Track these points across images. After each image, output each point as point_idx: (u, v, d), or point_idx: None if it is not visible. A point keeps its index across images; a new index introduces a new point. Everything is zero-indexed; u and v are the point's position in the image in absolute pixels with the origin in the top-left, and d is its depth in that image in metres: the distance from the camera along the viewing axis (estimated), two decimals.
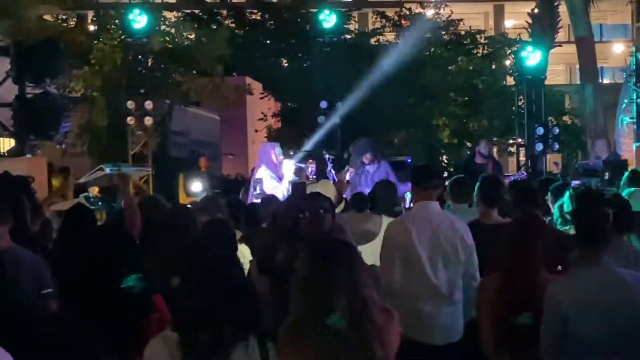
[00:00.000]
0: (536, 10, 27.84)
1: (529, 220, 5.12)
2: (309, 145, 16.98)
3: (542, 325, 4.52)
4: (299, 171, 12.16)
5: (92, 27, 21.35)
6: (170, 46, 19.50)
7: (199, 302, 3.64)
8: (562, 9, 25.34)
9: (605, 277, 4.54)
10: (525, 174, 14.50)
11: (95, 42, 18.55)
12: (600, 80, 27.44)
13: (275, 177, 11.52)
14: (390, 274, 5.81)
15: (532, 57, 17.16)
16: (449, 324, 5.84)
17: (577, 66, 23.95)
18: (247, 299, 3.76)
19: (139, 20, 16.46)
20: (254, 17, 27.20)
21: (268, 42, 26.30)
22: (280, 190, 11.19)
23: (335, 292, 3.48)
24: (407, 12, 28.77)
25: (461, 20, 28.87)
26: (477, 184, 6.72)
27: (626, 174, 8.58)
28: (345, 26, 25.17)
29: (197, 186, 14.20)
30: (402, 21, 28.39)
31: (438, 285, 5.82)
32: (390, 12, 29.22)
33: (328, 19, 17.52)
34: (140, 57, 17.22)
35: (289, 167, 11.89)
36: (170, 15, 22.43)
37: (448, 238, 5.94)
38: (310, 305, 3.52)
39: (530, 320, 4.74)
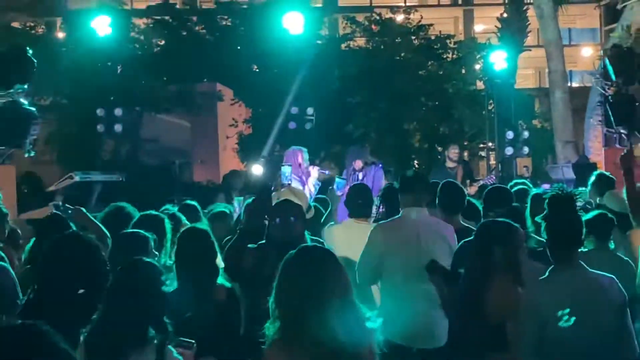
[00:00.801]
0: (505, 15, 28.10)
1: (489, 226, 5.15)
2: (265, 150, 17.01)
3: (520, 329, 4.57)
4: (323, 177, 12.07)
5: (61, 35, 21.25)
6: (140, 53, 19.44)
7: (100, 307, 3.75)
8: (531, 13, 25.52)
9: (581, 280, 4.61)
10: (494, 177, 14.58)
11: (64, 49, 18.46)
12: (569, 84, 27.65)
13: (299, 180, 11.44)
14: (366, 278, 5.87)
15: (501, 61, 17.28)
16: (437, 328, 5.88)
17: (547, 70, 24.12)
18: (149, 304, 3.81)
19: (108, 27, 16.40)
20: (224, 22, 27.14)
21: (239, 48, 26.26)
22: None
23: (328, 299, 3.50)
24: (377, 18, 28.85)
25: (431, 25, 29.00)
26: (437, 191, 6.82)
27: (593, 176, 8.67)
28: (316, 32, 25.22)
29: None
30: (373, 26, 28.45)
31: (424, 290, 5.86)
32: (360, 18, 29.28)
33: (298, 25, 17.55)
34: (109, 64, 17.17)
35: (314, 173, 11.80)
36: (140, 22, 22.36)
37: (433, 242, 5.99)
38: (302, 312, 3.52)
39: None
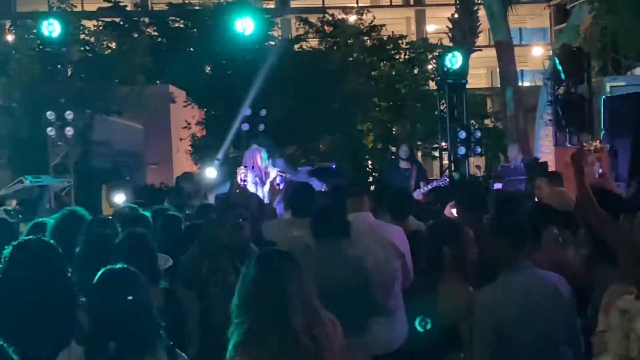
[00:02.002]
0: (456, 15, 28.24)
1: (438, 227, 5.20)
2: (220, 153, 16.96)
3: (474, 333, 4.61)
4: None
5: (9, 37, 20.98)
6: (90, 55, 19.26)
7: (99, 316, 3.67)
8: (482, 13, 25.73)
9: (532, 279, 4.68)
10: (447, 179, 14.69)
11: (13, 51, 18.23)
12: (520, 84, 27.94)
13: (257, 181, 11.41)
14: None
15: (452, 61, 17.39)
16: (385, 333, 5.83)
17: (498, 70, 24.39)
18: (148, 313, 3.77)
19: (57, 29, 16.20)
20: (176, 24, 27.02)
21: (191, 49, 26.16)
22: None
23: (290, 304, 3.52)
24: (330, 19, 28.94)
25: (384, 25, 29.14)
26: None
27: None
28: (268, 33, 25.21)
29: (120, 197, 14.04)
30: (325, 27, 28.53)
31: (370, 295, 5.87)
32: (313, 19, 29.34)
33: (250, 26, 17.49)
34: (59, 66, 16.97)
35: (272, 174, 11.74)
36: (90, 24, 22.17)
37: (381, 246, 6.00)
38: (265, 318, 3.53)
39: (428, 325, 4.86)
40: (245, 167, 11.14)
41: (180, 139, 24.32)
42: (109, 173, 18.12)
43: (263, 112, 16.92)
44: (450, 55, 17.50)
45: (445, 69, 17.56)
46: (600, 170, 9.71)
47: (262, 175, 11.73)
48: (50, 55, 16.82)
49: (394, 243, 5.98)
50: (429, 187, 13.58)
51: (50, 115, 16.00)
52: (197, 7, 28.10)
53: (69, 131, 16.09)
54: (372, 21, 28.84)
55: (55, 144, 16.53)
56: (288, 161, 13.41)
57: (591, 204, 4.94)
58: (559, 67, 15.99)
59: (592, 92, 16.44)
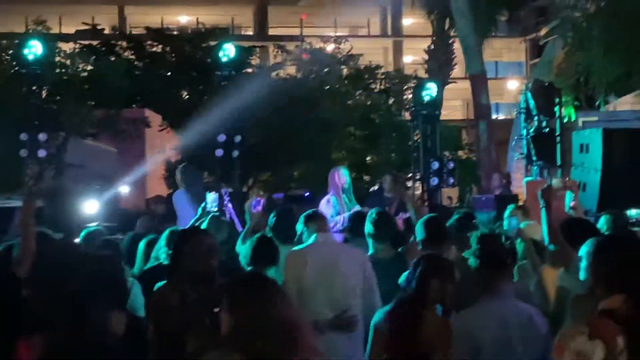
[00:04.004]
0: (432, 47, 28.57)
1: (428, 259, 5.32)
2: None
3: (452, 356, 4.71)
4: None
5: None
6: (66, 78, 19.27)
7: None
8: (458, 45, 26.04)
9: (509, 310, 4.79)
10: (427, 210, 14.77)
11: None
12: (495, 116, 28.26)
13: (336, 205, 11.21)
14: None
15: (427, 93, 17.56)
16: (348, 356, 5.91)
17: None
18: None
19: (33, 51, 16.21)
20: (154, 49, 27.10)
21: (169, 74, 26.23)
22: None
23: (275, 332, 3.45)
24: (309, 46, 29.15)
25: (361, 55, 29.38)
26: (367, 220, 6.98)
27: (509, 207, 8.91)
28: (247, 60, 25.35)
29: (91, 220, 14.00)
30: (303, 55, 28.72)
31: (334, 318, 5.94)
32: (291, 47, 29.54)
33: (228, 52, 17.60)
34: (34, 88, 16.96)
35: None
36: (67, 47, 22.19)
37: (347, 269, 6.06)
38: (248, 346, 3.44)
39: None
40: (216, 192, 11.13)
41: (155, 164, 24.32)
42: (82, 196, 18.08)
43: (238, 138, 16.98)
44: (424, 86, 17.68)
45: (419, 100, 17.73)
46: (572, 203, 9.85)
47: (340, 195, 11.50)
48: (26, 76, 16.82)
49: (362, 265, 6.11)
50: (406, 215, 13.66)
51: (23, 136, 15.97)
52: (175, 32, 28.22)
53: (42, 153, 16.06)
54: (349, 50, 29.07)
55: (28, 165, 16.49)
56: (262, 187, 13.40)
57: (556, 240, 5.18)
58: (531, 102, 16.22)
59: (564, 127, 16.67)
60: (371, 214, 7.13)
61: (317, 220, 6.58)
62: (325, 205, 10.98)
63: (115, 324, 4.59)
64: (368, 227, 7.01)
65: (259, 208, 8.37)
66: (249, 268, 6.42)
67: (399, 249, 7.16)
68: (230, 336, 3.44)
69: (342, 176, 11.34)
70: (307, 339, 3.52)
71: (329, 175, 11.47)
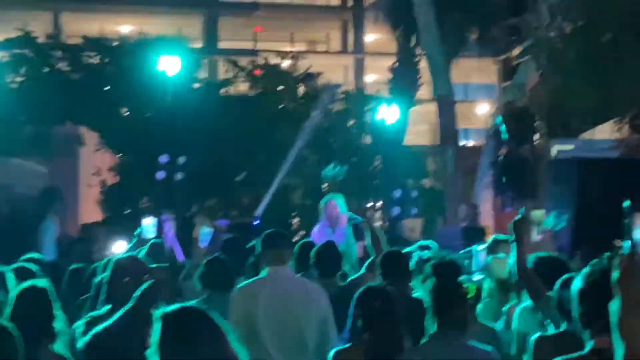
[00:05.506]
0: (396, 65, 28.62)
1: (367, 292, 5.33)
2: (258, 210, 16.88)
3: None
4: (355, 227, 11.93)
5: None
6: None
7: None
8: (424, 64, 26.13)
9: (458, 349, 4.81)
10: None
11: None
12: (465, 142, 28.44)
13: (328, 231, 11.30)
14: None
15: (390, 115, 17.66)
16: None
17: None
18: None
19: None
20: (92, 60, 26.92)
21: (107, 88, 26.06)
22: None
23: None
24: (263, 62, 29.18)
25: (320, 73, 29.44)
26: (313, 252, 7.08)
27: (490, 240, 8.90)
28: (193, 74, 25.29)
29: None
30: (256, 71, 28.72)
31: (285, 357, 5.89)
32: (243, 62, 29.52)
33: (173, 66, 17.57)
34: None
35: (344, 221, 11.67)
36: None
37: (300, 305, 6.04)
38: None
39: None
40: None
41: (89, 186, 24.08)
42: (8, 220, 17.83)
43: (182, 160, 16.92)
44: (387, 108, 17.78)
45: (381, 123, 17.83)
46: (540, 237, 9.91)
47: (333, 225, 11.60)
48: None
49: (317, 301, 6.09)
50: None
51: None
52: (115, 43, 28.06)
53: None
54: (308, 68, 29.12)
55: None
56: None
57: (526, 275, 5.32)
58: (502, 127, 16.32)
59: (538, 154, 16.75)
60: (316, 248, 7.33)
61: (272, 250, 6.49)
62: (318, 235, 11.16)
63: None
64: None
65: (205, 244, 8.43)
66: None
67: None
68: None
69: (334, 207, 11.47)
70: None
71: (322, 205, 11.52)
